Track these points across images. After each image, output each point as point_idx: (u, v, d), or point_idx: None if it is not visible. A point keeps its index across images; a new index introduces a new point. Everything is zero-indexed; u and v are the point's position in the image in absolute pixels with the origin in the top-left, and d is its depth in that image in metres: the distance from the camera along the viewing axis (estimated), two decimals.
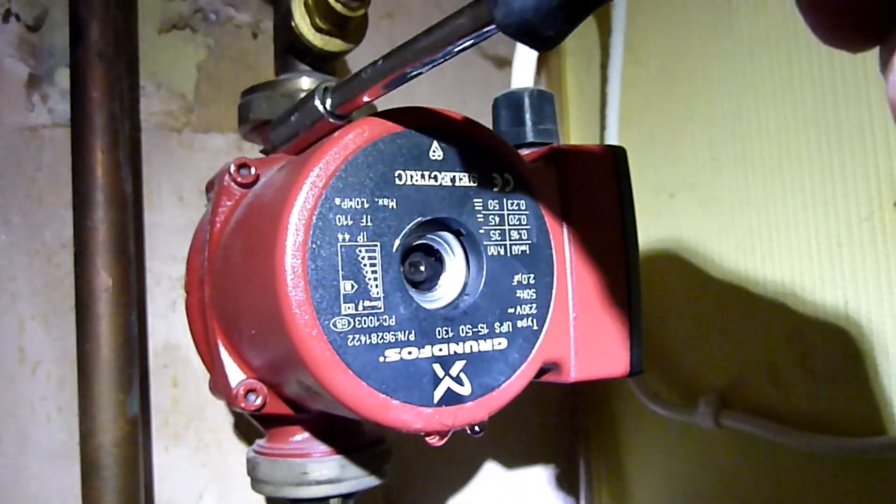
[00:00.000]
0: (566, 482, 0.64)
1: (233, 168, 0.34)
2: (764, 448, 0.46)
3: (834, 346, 0.42)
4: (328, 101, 0.27)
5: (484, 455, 0.60)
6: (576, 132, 0.64)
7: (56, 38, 0.47)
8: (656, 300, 0.54)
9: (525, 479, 0.62)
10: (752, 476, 0.47)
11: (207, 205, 0.37)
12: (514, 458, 0.61)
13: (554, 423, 0.64)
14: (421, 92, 0.60)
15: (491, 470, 0.60)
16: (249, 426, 0.51)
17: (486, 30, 0.20)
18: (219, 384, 0.34)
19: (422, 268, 0.29)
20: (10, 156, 0.46)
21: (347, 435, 0.38)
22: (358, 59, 0.55)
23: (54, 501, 0.45)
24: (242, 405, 0.32)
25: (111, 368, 0.42)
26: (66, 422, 0.45)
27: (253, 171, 0.34)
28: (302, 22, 0.37)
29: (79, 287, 0.43)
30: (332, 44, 0.38)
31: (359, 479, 0.37)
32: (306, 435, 0.37)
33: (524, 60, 0.35)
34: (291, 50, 0.40)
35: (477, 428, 0.29)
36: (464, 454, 0.59)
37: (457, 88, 0.62)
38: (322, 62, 0.40)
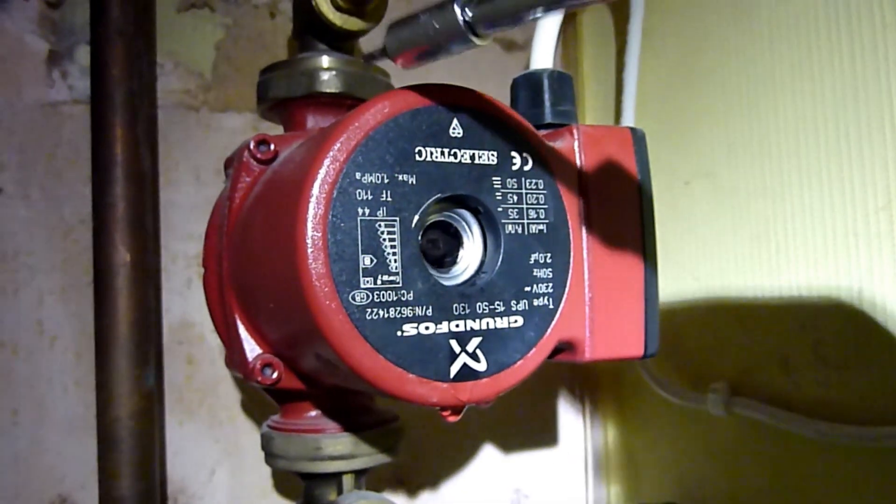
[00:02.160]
0: (575, 465, 0.64)
1: (252, 144, 0.34)
2: (774, 436, 0.46)
3: (847, 336, 0.42)
4: (469, 12, 0.24)
5: (493, 437, 0.60)
6: (592, 118, 0.64)
7: (77, 16, 0.47)
8: (669, 287, 0.54)
9: (534, 462, 0.62)
10: (762, 464, 0.48)
11: (226, 181, 0.37)
12: (523, 441, 0.62)
13: (563, 405, 0.64)
14: (438, 73, 0.60)
15: (500, 452, 0.61)
16: (262, 404, 0.51)
17: None
18: (235, 358, 0.34)
19: (440, 244, 0.30)
20: (31, 132, 0.46)
21: (361, 412, 0.38)
22: (376, 40, 0.56)
23: (71, 473, 0.46)
24: (259, 379, 0.33)
25: (128, 343, 0.43)
26: (83, 395, 0.46)
27: (272, 147, 0.34)
28: (322, 0, 0.37)
29: (97, 262, 0.43)
30: (351, 22, 0.38)
31: (371, 456, 0.37)
32: (321, 411, 0.38)
33: (544, 41, 0.35)
34: (310, 29, 0.40)
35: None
36: (474, 436, 0.60)
37: (473, 72, 0.62)
38: (341, 41, 0.40)
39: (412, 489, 0.57)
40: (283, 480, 0.52)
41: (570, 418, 0.64)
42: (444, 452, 0.58)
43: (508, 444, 0.61)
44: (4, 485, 0.45)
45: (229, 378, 0.51)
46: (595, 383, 0.63)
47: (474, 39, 0.24)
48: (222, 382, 0.51)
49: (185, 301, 0.50)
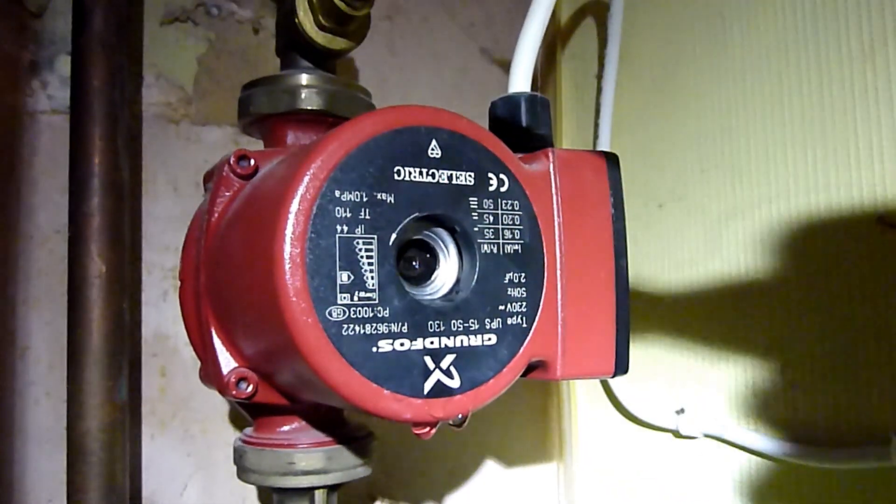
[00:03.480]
0: (547, 484, 0.64)
1: (232, 159, 0.34)
2: (743, 457, 0.47)
3: (815, 359, 0.43)
4: None
5: (466, 453, 0.61)
6: (569, 140, 0.65)
7: (58, 25, 0.47)
8: (642, 309, 0.55)
9: (507, 478, 0.63)
10: (731, 483, 0.48)
11: (205, 195, 0.37)
12: (496, 457, 0.62)
13: (538, 423, 0.65)
14: (419, 94, 0.61)
15: (473, 468, 0.61)
16: (236, 418, 0.51)
17: None
18: (210, 372, 0.34)
19: (415, 263, 0.30)
20: (8, 140, 0.46)
21: (335, 427, 0.38)
22: (359, 59, 0.56)
23: (39, 485, 0.45)
24: (234, 393, 0.33)
25: (101, 354, 0.43)
26: (53, 407, 0.46)
27: (252, 162, 0.35)
28: (305, 19, 0.37)
29: (72, 272, 0.43)
30: (334, 42, 0.38)
31: (345, 471, 0.37)
32: (294, 425, 0.38)
33: (522, 64, 0.36)
34: (294, 46, 0.40)
35: (458, 420, 0.30)
36: (447, 451, 0.60)
37: (455, 92, 0.63)
38: (324, 59, 0.40)
39: None
40: (254, 496, 0.52)
41: (542, 436, 0.65)
42: (416, 469, 0.58)
43: (482, 461, 0.61)
44: None
45: (203, 391, 0.51)
46: (568, 402, 0.63)
47: None
48: (195, 395, 0.50)
49: (160, 313, 0.50)
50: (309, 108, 0.38)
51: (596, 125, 0.58)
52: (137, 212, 0.49)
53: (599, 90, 0.58)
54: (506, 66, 0.66)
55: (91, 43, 0.44)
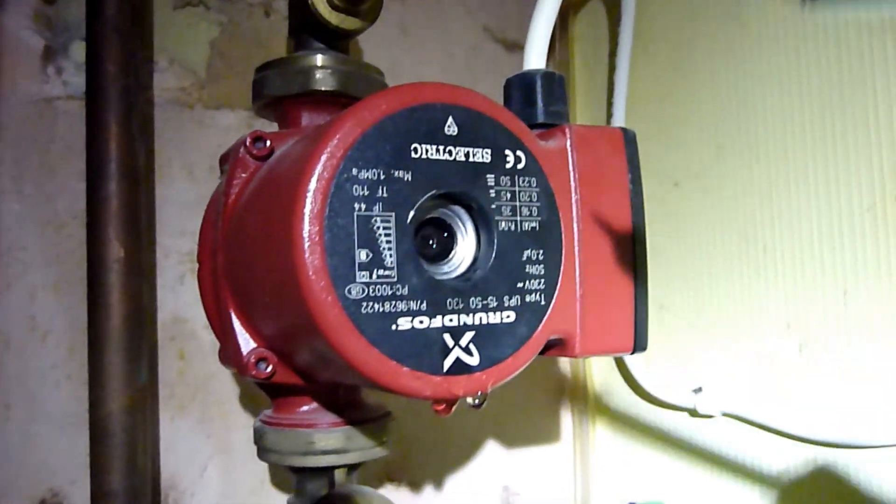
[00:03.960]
0: (563, 463, 0.65)
1: (248, 140, 0.34)
2: (760, 435, 0.47)
3: (831, 336, 0.43)
4: None
5: (483, 435, 0.61)
6: (583, 120, 0.65)
7: (72, 12, 0.47)
8: (658, 287, 0.55)
9: (524, 458, 0.63)
10: (749, 462, 0.48)
11: (221, 178, 0.38)
12: (512, 438, 0.62)
13: (552, 404, 0.65)
14: (431, 74, 0.61)
15: (490, 450, 0.61)
16: (255, 400, 0.51)
17: None
18: (229, 353, 0.34)
19: (433, 241, 0.30)
20: (25, 127, 0.46)
21: (354, 407, 0.38)
22: (371, 40, 0.56)
23: (62, 468, 0.46)
24: (253, 373, 0.33)
25: (121, 337, 0.43)
26: (75, 390, 0.46)
27: (268, 143, 0.35)
28: None
29: (91, 257, 0.43)
30: (347, 22, 0.38)
31: (364, 451, 0.38)
32: (313, 405, 0.38)
33: (537, 42, 0.36)
34: (306, 27, 0.40)
35: (477, 401, 0.30)
36: (463, 433, 0.60)
37: (467, 72, 0.63)
38: (337, 40, 0.40)
39: (402, 485, 0.57)
40: (275, 476, 0.52)
41: (558, 417, 0.65)
42: (434, 449, 0.59)
43: (498, 441, 0.62)
44: None
45: (221, 374, 0.51)
46: (584, 382, 0.63)
47: None
48: (214, 378, 0.51)
49: (177, 297, 0.50)
50: (323, 88, 0.38)
51: (609, 104, 0.57)
52: (152, 196, 0.49)
53: (613, 68, 0.57)
54: (518, 46, 0.66)
55: (105, 28, 0.44)
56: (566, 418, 0.65)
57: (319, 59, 0.39)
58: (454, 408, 0.29)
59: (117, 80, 0.44)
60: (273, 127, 0.42)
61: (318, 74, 0.38)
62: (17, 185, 0.46)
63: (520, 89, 0.35)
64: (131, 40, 0.45)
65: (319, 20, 0.38)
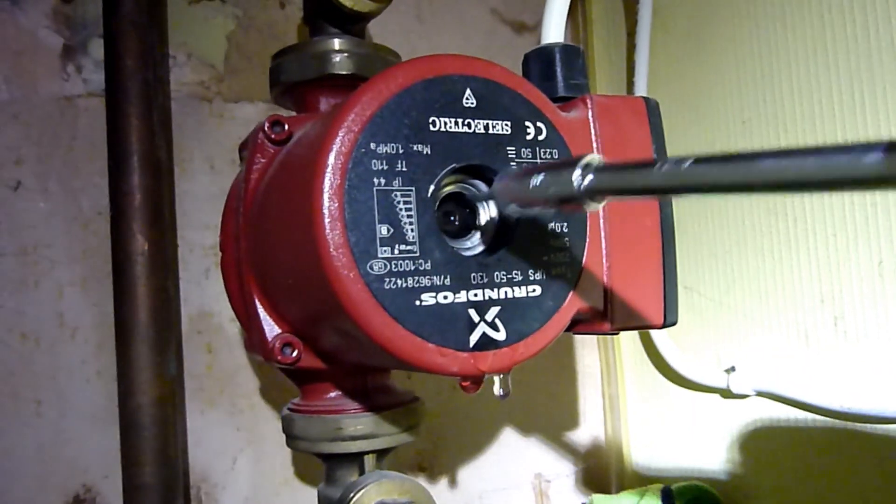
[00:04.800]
0: (596, 448, 0.64)
1: (266, 125, 0.34)
2: (796, 413, 0.46)
3: (867, 308, 0.42)
4: (588, 179, 0.22)
5: (513, 423, 0.60)
6: None
7: (89, 9, 0.48)
8: (686, 265, 0.54)
9: (555, 446, 0.62)
10: (784, 442, 0.47)
11: (241, 164, 0.37)
12: (544, 426, 0.62)
13: (583, 389, 0.64)
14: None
15: (521, 438, 0.61)
16: (282, 392, 0.51)
17: None
18: (255, 340, 0.34)
19: (454, 217, 0.30)
20: (47, 125, 0.47)
21: (381, 392, 0.38)
22: (387, 27, 0.56)
23: (94, 464, 0.46)
24: (279, 358, 0.33)
25: (148, 330, 0.43)
26: (104, 385, 0.46)
27: (286, 127, 0.34)
28: None
29: (115, 251, 0.44)
30: (361, 4, 0.38)
31: (392, 436, 0.37)
32: (341, 392, 0.38)
33: (555, 16, 0.35)
34: (321, 12, 0.40)
35: (503, 391, 0.29)
36: (494, 422, 0.60)
37: (481, 55, 0.62)
38: (352, 24, 0.40)
39: (433, 475, 0.57)
40: (304, 468, 0.52)
41: (590, 402, 0.64)
42: (464, 439, 0.58)
43: (529, 429, 0.61)
44: (28, 476, 0.45)
45: (249, 366, 0.51)
46: (615, 367, 0.63)
47: (590, 204, 0.22)
48: (242, 371, 0.51)
49: (202, 291, 0.50)
50: (339, 72, 0.38)
51: (630, 83, 0.56)
52: (174, 191, 0.49)
53: (632, 48, 0.56)
54: (534, 31, 0.65)
55: (122, 24, 0.45)
56: (597, 404, 0.64)
57: (335, 44, 0.38)
58: (481, 386, 0.29)
59: (136, 74, 0.44)
60: (292, 115, 0.42)
61: (335, 58, 0.38)
62: (42, 184, 0.46)
63: (538, 63, 0.34)
64: (149, 35, 0.45)
65: (334, 4, 0.38)
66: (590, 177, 0.22)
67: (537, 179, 0.24)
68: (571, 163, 0.22)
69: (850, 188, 0.15)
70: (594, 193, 0.22)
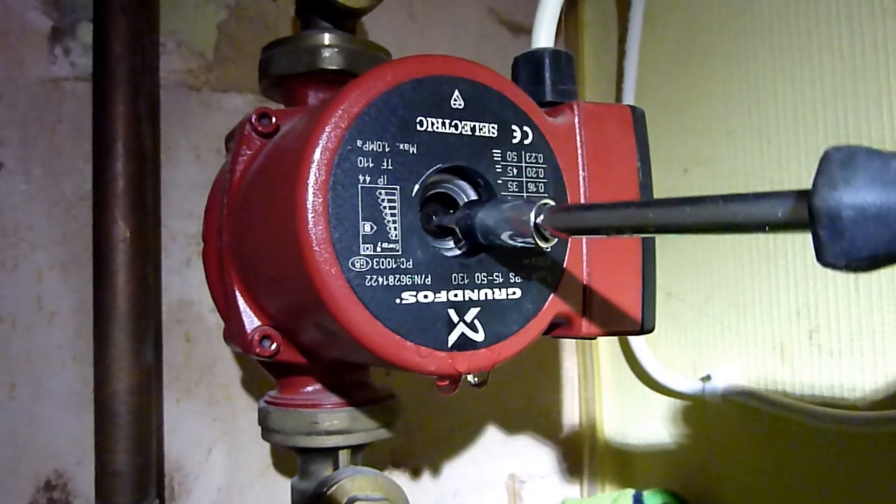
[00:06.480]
0: (570, 450, 0.64)
1: (254, 117, 0.34)
2: (770, 423, 0.46)
3: (841, 322, 0.43)
4: (541, 217, 0.24)
5: (489, 423, 0.61)
6: None
7: None
8: (665, 273, 0.54)
9: (530, 445, 0.63)
10: (757, 450, 0.48)
11: (227, 155, 0.37)
12: (519, 427, 0.62)
13: (559, 392, 0.64)
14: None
15: (496, 438, 0.61)
16: (260, 384, 0.51)
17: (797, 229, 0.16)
18: (234, 331, 0.34)
19: (439, 215, 0.30)
20: (32, 108, 0.46)
21: (358, 388, 0.38)
22: (379, 25, 0.56)
23: (67, 449, 0.46)
24: (257, 351, 0.33)
25: (126, 318, 0.43)
26: (80, 371, 0.46)
27: (273, 120, 0.34)
28: None
29: (97, 237, 0.43)
30: (353, 0, 0.38)
31: (368, 432, 0.37)
32: (318, 386, 0.38)
33: (546, 21, 0.35)
34: (313, 6, 0.40)
35: (477, 380, 0.29)
36: (468, 418, 0.60)
37: (475, 57, 0.62)
38: (343, 19, 0.40)
39: (408, 471, 0.57)
40: (280, 460, 0.52)
41: (567, 405, 0.64)
42: (440, 437, 0.58)
43: (505, 430, 0.61)
44: (0, 460, 0.45)
45: (227, 357, 0.51)
46: (592, 371, 0.63)
47: (539, 242, 0.25)
48: (220, 361, 0.51)
49: (183, 280, 0.50)
50: (330, 67, 0.38)
51: (619, 90, 0.57)
52: (159, 179, 0.49)
53: (622, 54, 0.57)
54: (526, 31, 0.65)
55: (112, 8, 0.44)
56: (573, 407, 0.65)
57: (326, 38, 0.38)
58: (458, 387, 0.29)
59: (124, 60, 0.44)
60: (281, 108, 0.42)
61: (325, 53, 0.38)
62: (25, 166, 0.46)
63: (528, 67, 0.34)
64: (139, 20, 0.45)
65: None
66: (542, 216, 0.25)
67: (500, 214, 0.26)
68: (527, 205, 0.25)
69: (769, 231, 0.17)
70: (544, 228, 0.24)
